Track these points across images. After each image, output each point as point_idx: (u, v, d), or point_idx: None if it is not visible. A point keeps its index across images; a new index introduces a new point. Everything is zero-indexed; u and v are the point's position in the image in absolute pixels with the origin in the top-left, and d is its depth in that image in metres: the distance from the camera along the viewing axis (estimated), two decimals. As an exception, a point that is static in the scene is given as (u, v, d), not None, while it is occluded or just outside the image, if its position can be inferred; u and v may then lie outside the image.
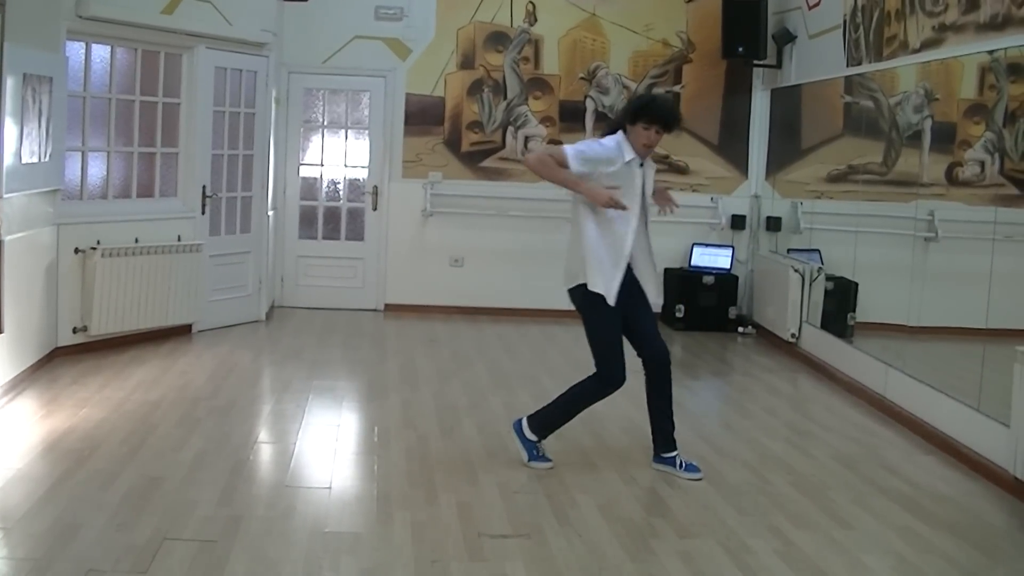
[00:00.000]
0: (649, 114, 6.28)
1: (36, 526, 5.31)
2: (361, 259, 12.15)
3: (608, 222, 6.32)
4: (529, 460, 6.61)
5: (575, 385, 6.62)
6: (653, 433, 6.71)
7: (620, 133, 6.37)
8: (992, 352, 7.46)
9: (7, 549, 5.04)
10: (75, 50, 9.00)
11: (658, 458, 6.70)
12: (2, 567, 4.83)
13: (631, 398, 7.35)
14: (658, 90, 11.97)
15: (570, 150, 6.25)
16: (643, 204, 6.43)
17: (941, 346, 8.51)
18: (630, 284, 6.43)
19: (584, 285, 6.35)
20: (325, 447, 6.97)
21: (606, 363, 6.44)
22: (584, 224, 6.34)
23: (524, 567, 5.12)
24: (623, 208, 6.19)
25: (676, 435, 6.71)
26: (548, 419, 6.69)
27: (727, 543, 5.52)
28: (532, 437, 6.66)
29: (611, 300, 6.31)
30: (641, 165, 6.38)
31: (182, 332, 10.08)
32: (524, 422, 6.70)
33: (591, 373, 6.54)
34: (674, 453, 6.65)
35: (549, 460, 6.65)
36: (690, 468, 6.60)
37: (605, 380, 6.48)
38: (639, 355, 6.57)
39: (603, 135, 6.51)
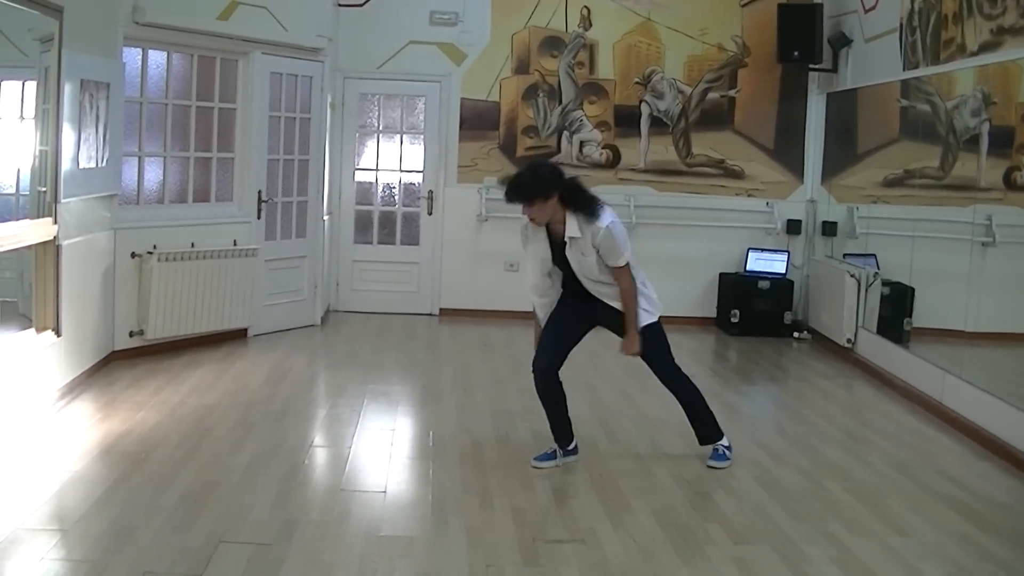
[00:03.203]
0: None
1: (93, 528, 5.36)
2: (416, 263, 12.19)
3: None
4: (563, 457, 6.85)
5: None
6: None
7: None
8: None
9: (65, 550, 5.08)
10: (132, 56, 9.08)
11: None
12: (60, 568, 4.87)
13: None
14: (713, 95, 11.97)
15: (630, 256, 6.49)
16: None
17: (999, 352, 8.42)
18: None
19: None
20: (380, 451, 6.99)
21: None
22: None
23: (579, 572, 5.11)
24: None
25: (730, 439, 6.98)
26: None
27: (782, 549, 5.48)
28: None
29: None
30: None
31: (237, 336, 10.14)
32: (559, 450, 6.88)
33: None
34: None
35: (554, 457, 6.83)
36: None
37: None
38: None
39: (599, 209, 6.47)
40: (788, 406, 8.94)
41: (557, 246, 6.45)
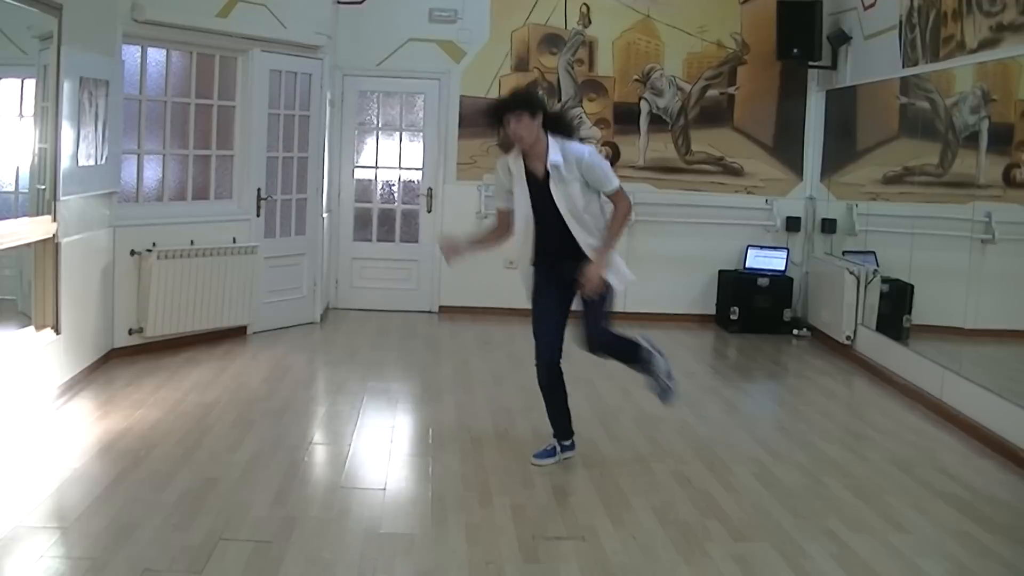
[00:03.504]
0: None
1: (93, 526, 5.36)
2: (415, 261, 12.18)
3: None
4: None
5: None
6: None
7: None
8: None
9: (64, 548, 5.08)
10: (131, 54, 9.07)
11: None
12: (59, 566, 4.87)
13: (689, 403, 7.33)
14: (712, 92, 11.98)
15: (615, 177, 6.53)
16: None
17: (998, 349, 8.42)
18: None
19: None
20: (380, 449, 6.99)
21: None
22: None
23: (578, 569, 5.11)
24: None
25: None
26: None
27: (782, 546, 5.48)
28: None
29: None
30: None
31: (237, 334, 10.14)
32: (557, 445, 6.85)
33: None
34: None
35: (553, 455, 6.81)
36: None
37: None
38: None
39: (578, 132, 6.68)
40: (787, 403, 8.94)
41: (538, 189, 6.46)
